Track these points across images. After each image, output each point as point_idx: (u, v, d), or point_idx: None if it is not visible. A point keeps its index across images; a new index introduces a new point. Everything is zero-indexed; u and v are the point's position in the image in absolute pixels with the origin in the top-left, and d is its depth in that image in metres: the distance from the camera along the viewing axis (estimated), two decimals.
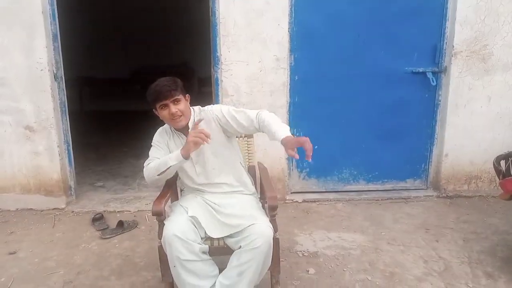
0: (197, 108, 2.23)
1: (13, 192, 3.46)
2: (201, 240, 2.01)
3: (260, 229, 1.95)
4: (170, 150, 2.19)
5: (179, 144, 2.17)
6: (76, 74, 7.02)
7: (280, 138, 1.92)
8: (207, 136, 1.95)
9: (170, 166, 2.03)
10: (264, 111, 2.10)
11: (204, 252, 1.98)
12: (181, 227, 1.95)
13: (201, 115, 2.18)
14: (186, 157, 2.01)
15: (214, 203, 2.14)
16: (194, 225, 2.01)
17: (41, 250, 2.87)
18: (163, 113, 2.09)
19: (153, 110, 2.13)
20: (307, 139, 1.83)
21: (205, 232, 2.03)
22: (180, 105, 2.08)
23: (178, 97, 2.08)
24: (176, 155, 2.02)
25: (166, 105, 2.07)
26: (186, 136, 2.07)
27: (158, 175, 2.07)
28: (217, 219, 2.06)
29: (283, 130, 1.96)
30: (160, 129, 2.27)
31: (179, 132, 2.20)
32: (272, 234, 1.99)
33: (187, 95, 2.16)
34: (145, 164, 2.18)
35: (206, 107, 2.24)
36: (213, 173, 2.20)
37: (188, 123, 2.15)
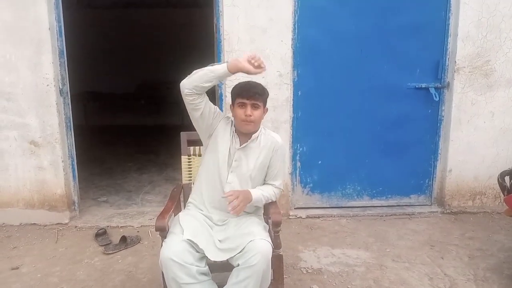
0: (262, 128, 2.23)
1: (17, 207, 3.46)
2: (201, 258, 1.96)
3: (257, 246, 1.92)
4: (215, 131, 2.17)
5: (226, 140, 2.16)
6: (81, 89, 7.09)
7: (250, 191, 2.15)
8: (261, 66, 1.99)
9: (213, 65, 2.01)
10: (279, 191, 2.31)
11: (202, 273, 1.94)
12: (177, 250, 1.91)
13: (266, 134, 2.21)
14: (231, 69, 1.97)
15: (215, 224, 2.14)
16: (192, 246, 1.96)
17: (44, 266, 2.86)
18: (238, 111, 2.09)
19: (230, 106, 2.18)
20: (234, 195, 2.03)
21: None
22: (257, 111, 2.10)
23: (259, 103, 2.09)
24: (221, 65, 2.01)
25: (244, 105, 2.07)
26: (240, 141, 2.15)
27: (200, 80, 2.00)
28: (215, 243, 2.03)
29: (255, 192, 2.15)
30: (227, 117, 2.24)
31: (236, 134, 2.18)
32: (271, 250, 1.97)
33: (266, 107, 2.18)
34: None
35: (269, 131, 2.26)
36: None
37: (252, 135, 2.16)
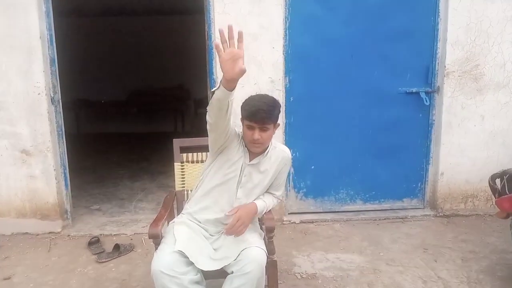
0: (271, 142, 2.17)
1: (9, 216, 3.43)
2: (193, 267, 1.95)
3: (252, 254, 1.93)
4: (226, 149, 2.09)
5: (237, 156, 2.10)
6: (72, 97, 7.04)
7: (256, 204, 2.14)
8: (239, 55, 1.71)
9: (214, 91, 1.82)
10: (278, 201, 2.32)
11: (195, 282, 1.93)
12: (167, 262, 1.90)
13: (276, 148, 2.17)
14: (224, 82, 1.74)
15: (210, 235, 2.12)
16: (184, 255, 1.95)
17: (36, 275, 2.83)
18: (246, 132, 2.04)
19: (241, 119, 2.08)
20: (236, 218, 2.01)
21: None
22: (266, 133, 2.02)
23: (268, 126, 2.02)
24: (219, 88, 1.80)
25: (252, 128, 2.01)
26: (250, 156, 2.11)
27: (212, 111, 1.88)
28: (208, 253, 2.02)
29: (260, 204, 2.15)
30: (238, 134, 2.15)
31: (246, 149, 2.12)
32: (265, 257, 1.98)
33: (278, 123, 2.10)
34: None
35: (278, 144, 2.23)
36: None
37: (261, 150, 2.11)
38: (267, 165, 2.15)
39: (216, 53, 1.75)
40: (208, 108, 1.91)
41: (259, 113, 1.97)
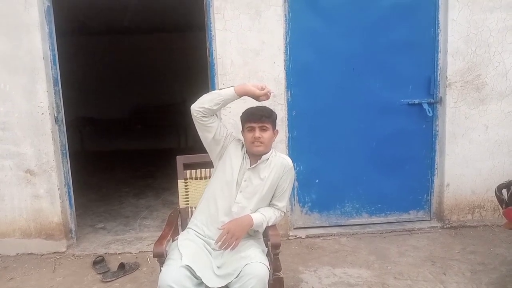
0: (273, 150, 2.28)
1: (13, 236, 3.42)
2: (199, 284, 1.96)
3: (253, 270, 1.92)
4: (226, 152, 2.22)
5: (237, 161, 2.19)
6: (76, 115, 7.09)
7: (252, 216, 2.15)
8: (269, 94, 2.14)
9: (220, 91, 2.13)
10: (281, 214, 2.30)
11: None
12: (176, 277, 1.90)
13: (276, 156, 2.25)
14: (238, 92, 2.09)
15: (214, 249, 2.12)
16: (190, 271, 1.95)
17: None
18: (247, 135, 2.17)
19: (241, 131, 2.24)
20: (225, 231, 2.06)
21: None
22: (266, 133, 2.15)
23: (267, 125, 2.15)
24: (229, 89, 2.11)
25: (253, 129, 2.14)
26: (251, 162, 2.19)
27: (209, 103, 2.11)
28: (213, 269, 2.03)
29: (257, 217, 2.16)
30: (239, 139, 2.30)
31: (247, 155, 2.22)
32: (267, 273, 1.97)
33: (276, 130, 2.24)
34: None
35: (279, 153, 2.30)
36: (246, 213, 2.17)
37: (262, 156, 2.20)
38: (267, 172, 2.20)
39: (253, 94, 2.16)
40: (201, 100, 2.10)
41: (258, 112, 2.16)
